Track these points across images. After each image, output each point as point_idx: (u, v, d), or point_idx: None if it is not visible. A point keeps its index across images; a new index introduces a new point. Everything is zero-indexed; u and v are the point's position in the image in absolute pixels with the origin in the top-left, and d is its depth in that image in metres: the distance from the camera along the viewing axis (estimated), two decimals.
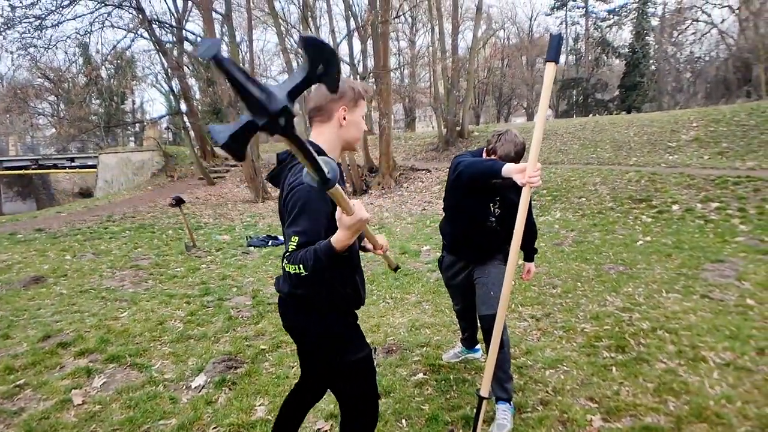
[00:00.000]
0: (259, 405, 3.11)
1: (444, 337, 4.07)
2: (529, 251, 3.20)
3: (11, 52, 13.67)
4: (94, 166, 24.48)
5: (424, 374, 3.41)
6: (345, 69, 17.25)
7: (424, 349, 3.84)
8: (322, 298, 1.86)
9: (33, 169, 28.06)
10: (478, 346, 3.58)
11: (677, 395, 2.94)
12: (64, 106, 32.42)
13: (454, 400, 3.04)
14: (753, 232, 7.38)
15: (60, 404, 3.27)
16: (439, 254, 7.17)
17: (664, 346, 3.66)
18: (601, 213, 9.53)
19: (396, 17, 18.58)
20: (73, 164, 27.87)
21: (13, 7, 12.52)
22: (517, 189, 2.30)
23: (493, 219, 2.89)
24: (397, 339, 4.05)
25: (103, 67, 23.50)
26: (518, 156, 2.68)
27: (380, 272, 6.32)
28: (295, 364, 3.71)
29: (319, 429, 2.81)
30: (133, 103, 38.08)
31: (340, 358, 1.93)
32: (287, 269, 1.64)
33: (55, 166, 28.55)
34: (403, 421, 2.84)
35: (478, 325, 3.38)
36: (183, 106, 20.61)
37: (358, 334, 2.02)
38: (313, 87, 1.37)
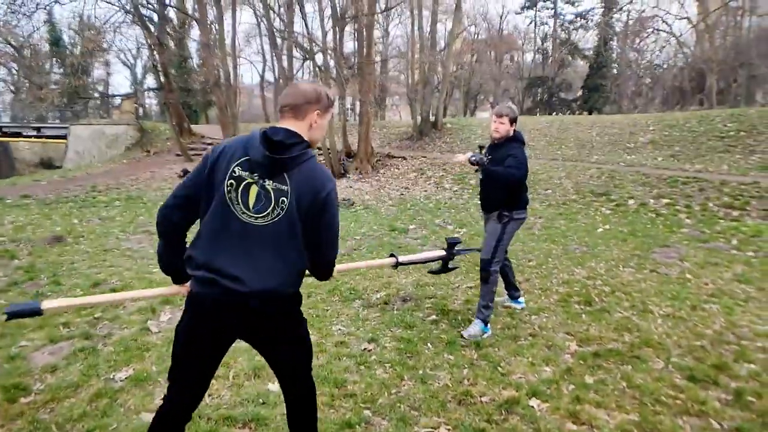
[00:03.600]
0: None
1: (446, 292, 4.94)
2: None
3: None
4: (61, 137, 24.20)
5: (436, 316, 4.28)
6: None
7: (432, 300, 4.70)
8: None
9: None
10: (521, 300, 4.46)
11: (631, 332, 3.91)
12: (23, 74, 31.62)
13: None
14: (696, 225, 8.54)
15: (140, 331, 3.96)
16: (423, 232, 8.00)
17: (621, 302, 4.64)
18: (565, 204, 10.59)
19: (382, 12, 19.23)
20: (39, 134, 27.36)
21: None
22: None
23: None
24: (408, 292, 4.89)
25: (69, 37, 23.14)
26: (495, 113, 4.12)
27: (375, 245, 7.14)
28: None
29: (364, 349, 3.62)
30: (107, 75, 37.38)
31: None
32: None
33: (19, 134, 27.93)
34: (429, 344, 3.69)
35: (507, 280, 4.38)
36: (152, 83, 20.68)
37: None
38: (291, 84, 2.10)
